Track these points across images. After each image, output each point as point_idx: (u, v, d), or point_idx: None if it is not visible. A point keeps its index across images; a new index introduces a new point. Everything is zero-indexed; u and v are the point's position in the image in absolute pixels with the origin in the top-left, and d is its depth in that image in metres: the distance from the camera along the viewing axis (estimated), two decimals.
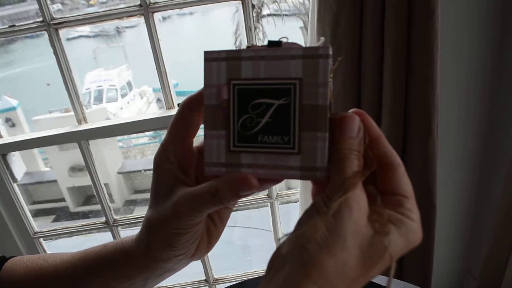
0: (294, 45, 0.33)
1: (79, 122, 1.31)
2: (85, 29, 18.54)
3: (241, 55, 0.34)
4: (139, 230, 0.42)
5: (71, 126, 1.30)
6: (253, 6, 1.20)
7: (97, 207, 1.44)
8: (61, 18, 1.14)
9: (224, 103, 0.34)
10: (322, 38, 0.36)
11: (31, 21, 1.15)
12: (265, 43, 0.35)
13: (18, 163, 1.34)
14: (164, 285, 1.65)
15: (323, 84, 0.32)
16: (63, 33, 1.20)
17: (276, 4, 5.33)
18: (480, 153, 1.28)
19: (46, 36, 1.17)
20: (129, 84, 12.63)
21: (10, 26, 1.14)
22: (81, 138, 1.29)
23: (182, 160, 0.39)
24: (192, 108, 0.38)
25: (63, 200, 8.97)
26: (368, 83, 0.94)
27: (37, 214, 8.52)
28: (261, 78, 0.33)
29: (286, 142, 0.33)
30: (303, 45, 0.34)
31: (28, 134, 1.31)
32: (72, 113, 1.31)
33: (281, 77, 0.33)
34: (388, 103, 0.94)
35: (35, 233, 1.42)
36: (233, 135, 0.34)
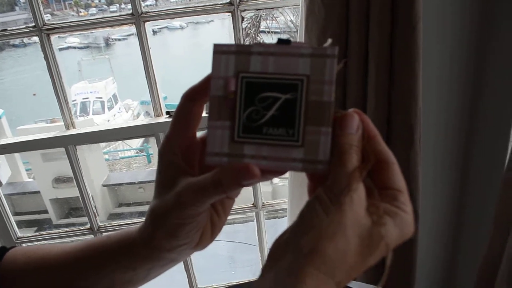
0: (303, 44, 0.35)
1: (67, 127, 1.31)
2: (75, 40, 18.48)
3: (251, 49, 0.35)
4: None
5: (59, 131, 1.31)
6: (243, 19, 1.24)
7: (81, 219, 1.43)
8: (53, 24, 1.16)
9: (231, 95, 0.35)
10: (329, 40, 0.38)
11: (23, 26, 1.17)
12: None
13: (3, 167, 1.33)
14: None
15: (329, 82, 0.34)
16: (54, 40, 1.21)
17: (266, 22, 5.44)
18: (461, 162, 1.31)
19: (36, 44, 1.18)
20: (114, 97, 12.57)
21: (1, 30, 1.15)
22: (69, 143, 1.30)
23: (186, 151, 0.40)
24: (193, 99, 0.39)
25: (46, 212, 8.80)
26: (353, 93, 0.98)
27: (19, 225, 8.32)
28: (269, 73, 0.35)
29: (290, 135, 0.35)
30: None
31: (15, 138, 1.31)
32: (58, 123, 1.33)
33: (290, 73, 0.35)
34: (371, 113, 0.97)
35: (18, 238, 1.41)
36: (238, 126, 0.35)
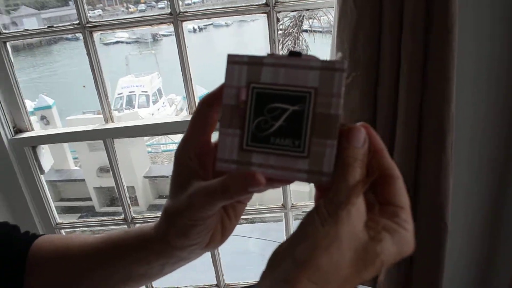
0: (312, 58, 0.36)
1: (106, 121, 1.37)
2: (124, 35, 19.11)
3: (262, 60, 0.36)
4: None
5: (99, 124, 1.37)
6: (278, 20, 1.24)
7: (121, 209, 1.49)
8: (96, 21, 1.21)
9: (242, 104, 0.36)
10: (340, 54, 0.38)
11: (68, 23, 1.23)
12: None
13: (46, 156, 1.41)
14: (176, 287, 1.68)
15: (337, 95, 0.34)
16: (97, 36, 1.27)
17: (309, 21, 5.41)
18: (498, 171, 1.26)
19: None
20: (159, 91, 12.92)
21: (48, 27, 1.22)
22: (106, 136, 1.35)
23: (201, 154, 0.41)
24: (210, 104, 0.40)
25: (89, 199, 9.17)
26: (384, 97, 0.96)
27: (63, 211, 8.74)
28: (279, 84, 0.36)
29: (296, 146, 0.35)
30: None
31: (58, 129, 1.38)
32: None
33: (298, 85, 0.35)
34: (402, 118, 0.95)
35: (57, 223, 1.48)
36: (247, 135, 0.36)
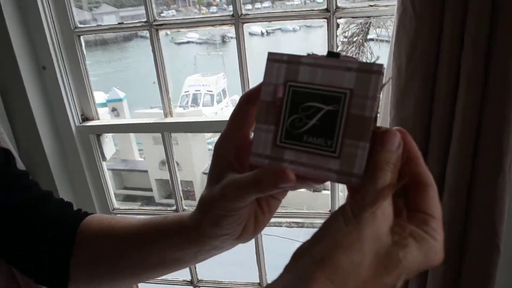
0: (351, 59, 0.36)
1: (165, 116, 1.44)
2: (195, 36, 19.79)
3: (301, 60, 0.38)
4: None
5: (157, 118, 1.44)
6: (338, 26, 1.24)
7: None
8: (162, 20, 1.28)
9: (278, 101, 0.38)
10: (377, 56, 0.38)
11: (137, 21, 1.30)
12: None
13: (109, 144, 1.50)
14: (219, 281, 1.72)
15: (372, 98, 0.35)
16: (163, 34, 1.33)
17: (376, 30, 5.29)
18: None
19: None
20: (224, 91, 13.24)
21: (118, 23, 1.30)
22: (164, 130, 1.42)
23: (238, 149, 0.43)
24: (249, 101, 0.42)
25: (150, 190, 9.59)
26: (440, 110, 0.92)
27: (125, 199, 9.22)
28: (315, 84, 0.37)
29: (328, 145, 0.36)
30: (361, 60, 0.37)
31: (120, 119, 1.47)
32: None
33: (335, 85, 0.36)
34: (458, 133, 0.91)
35: (114, 209, 1.58)
36: (281, 131, 0.37)
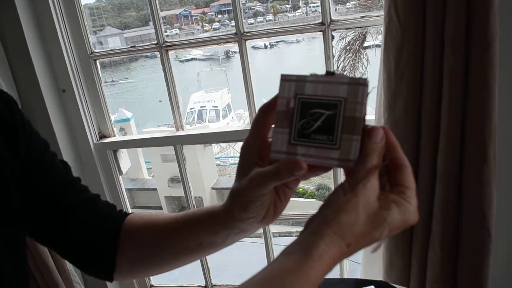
0: (343, 76, 0.48)
1: (177, 129, 1.54)
2: (199, 52, 20.08)
3: (306, 78, 0.49)
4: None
5: (170, 132, 1.54)
6: (333, 37, 1.34)
7: None
8: (171, 41, 1.39)
9: (291, 110, 0.49)
10: (364, 75, 0.50)
11: (148, 43, 1.42)
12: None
13: (124, 159, 1.61)
14: (232, 285, 1.79)
15: (361, 103, 0.46)
16: (172, 54, 1.44)
17: (373, 36, 5.45)
18: None
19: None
20: (228, 106, 13.42)
21: (131, 46, 1.41)
22: (176, 142, 1.51)
23: (260, 149, 0.54)
24: (266, 111, 0.53)
25: (160, 207, 9.66)
26: (427, 109, 1.02)
27: None
28: (318, 95, 0.48)
29: (330, 140, 0.47)
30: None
31: (135, 135, 1.57)
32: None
33: (332, 95, 0.47)
34: (445, 129, 1.00)
35: None
36: (294, 132, 0.48)
